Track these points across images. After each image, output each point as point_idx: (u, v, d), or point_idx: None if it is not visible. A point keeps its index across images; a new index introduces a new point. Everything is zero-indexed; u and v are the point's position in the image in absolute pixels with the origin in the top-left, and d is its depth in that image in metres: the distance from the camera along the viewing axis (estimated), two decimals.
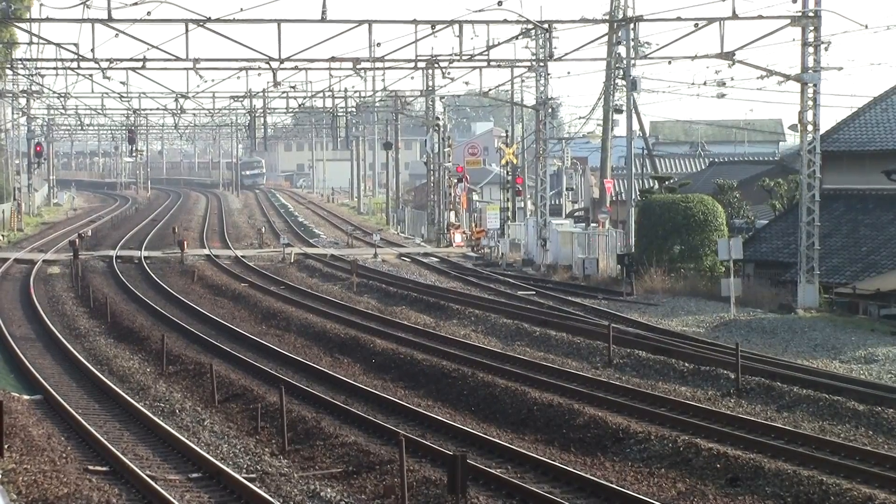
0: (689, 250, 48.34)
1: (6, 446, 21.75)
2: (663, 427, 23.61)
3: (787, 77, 43.79)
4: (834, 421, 24.55)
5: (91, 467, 21.19)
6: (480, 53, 53.21)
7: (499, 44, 54.55)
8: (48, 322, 39.80)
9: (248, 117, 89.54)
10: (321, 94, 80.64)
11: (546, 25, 51.26)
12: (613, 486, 19.63)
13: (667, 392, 27.36)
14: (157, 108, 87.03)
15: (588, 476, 20.23)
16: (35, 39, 56.87)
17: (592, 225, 60.86)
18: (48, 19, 45.68)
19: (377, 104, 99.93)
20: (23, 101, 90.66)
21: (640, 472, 21.23)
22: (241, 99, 79.14)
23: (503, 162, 75.50)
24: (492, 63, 55.28)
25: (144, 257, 61.37)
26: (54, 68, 58.08)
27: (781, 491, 19.70)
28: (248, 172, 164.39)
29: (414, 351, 32.68)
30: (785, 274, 44.99)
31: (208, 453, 22.07)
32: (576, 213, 74.96)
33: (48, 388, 28.43)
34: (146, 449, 22.99)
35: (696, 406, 25.49)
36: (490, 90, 67.16)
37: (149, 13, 42.92)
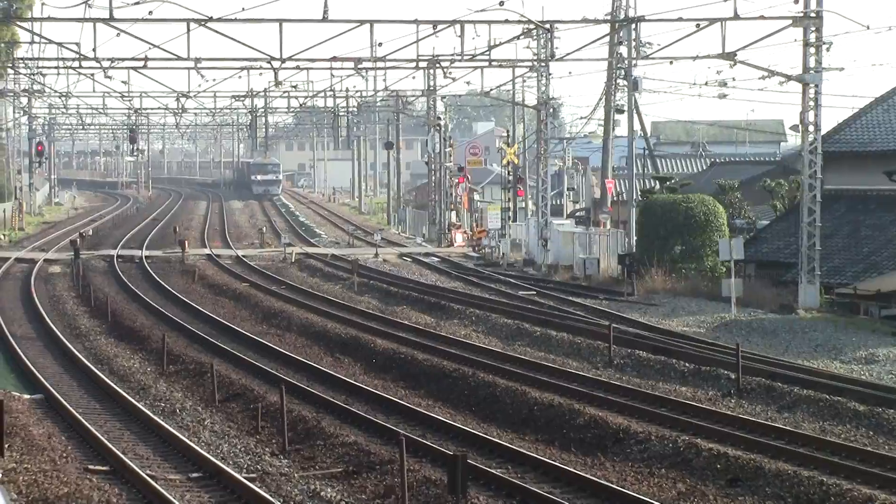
0: (690, 250, 48.33)
1: (7, 446, 21.75)
2: (664, 427, 23.60)
3: (789, 77, 43.75)
4: (834, 421, 24.54)
5: (91, 467, 21.19)
6: (482, 53, 53.15)
7: (500, 44, 54.43)
8: (49, 321, 39.81)
9: (250, 117, 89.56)
10: (322, 94, 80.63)
11: (547, 25, 51.20)
12: (614, 486, 19.62)
13: (667, 392, 27.36)
14: (159, 108, 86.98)
15: (588, 476, 20.22)
16: (37, 39, 56.97)
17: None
18: (50, 19, 45.73)
19: (378, 104, 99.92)
20: (24, 100, 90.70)
21: (640, 473, 21.21)
22: (242, 98, 79.06)
23: (504, 162, 75.49)
24: (493, 63, 55.21)
25: (145, 257, 61.38)
26: (56, 68, 58.05)
27: (782, 491, 19.69)
28: (258, 177, 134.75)
29: (415, 351, 32.67)
30: (786, 274, 44.96)
31: (209, 453, 22.08)
32: (577, 214, 74.94)
33: (49, 387, 28.44)
34: (146, 448, 23.00)
35: (696, 406, 25.49)
36: (491, 90, 67.11)
37: (150, 13, 42.91)
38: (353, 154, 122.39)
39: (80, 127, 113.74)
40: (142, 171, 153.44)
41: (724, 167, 78.56)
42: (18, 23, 61.23)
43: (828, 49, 41.99)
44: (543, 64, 56.40)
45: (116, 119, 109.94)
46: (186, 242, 63.41)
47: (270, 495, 19.17)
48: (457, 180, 77.05)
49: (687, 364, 30.12)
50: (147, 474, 20.17)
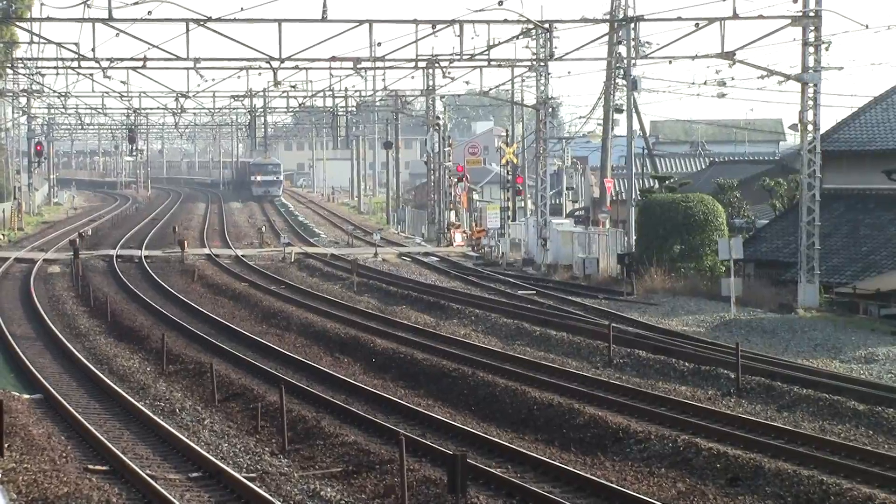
0: (689, 250, 48.32)
1: (6, 445, 21.76)
2: (663, 427, 23.60)
3: (788, 77, 43.76)
4: (834, 421, 24.54)
5: (91, 466, 21.18)
6: (481, 53, 53.14)
7: (499, 43, 54.45)
8: (48, 321, 39.80)
9: (249, 117, 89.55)
10: (321, 94, 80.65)
11: (546, 25, 51.21)
12: (613, 485, 19.61)
13: (667, 392, 27.35)
14: (158, 108, 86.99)
15: (588, 476, 20.21)
16: (36, 39, 56.97)
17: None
18: (49, 19, 45.74)
19: (377, 104, 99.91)
20: (23, 100, 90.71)
21: (640, 472, 21.21)
22: (241, 98, 79.08)
23: (503, 161, 75.51)
24: (492, 63, 55.21)
25: (145, 256, 61.37)
26: (55, 68, 58.10)
27: (781, 491, 19.69)
28: (259, 178, 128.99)
29: (414, 350, 32.67)
30: (785, 274, 44.97)
31: (208, 452, 22.07)
32: (576, 213, 74.95)
33: (48, 387, 28.43)
34: (146, 448, 22.99)
35: (696, 406, 25.49)
36: (490, 90, 67.11)
37: (149, 13, 42.90)
38: (353, 154, 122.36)
39: (80, 127, 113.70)
40: (141, 171, 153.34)
41: (723, 166, 78.58)
42: (17, 23, 61.21)
43: (827, 48, 41.99)
44: (542, 63, 56.40)
45: (115, 119, 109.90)
46: (186, 242, 63.39)
47: (270, 495, 19.17)
48: (455, 179, 77.06)
49: (686, 363, 30.12)
50: (147, 474, 20.17)
